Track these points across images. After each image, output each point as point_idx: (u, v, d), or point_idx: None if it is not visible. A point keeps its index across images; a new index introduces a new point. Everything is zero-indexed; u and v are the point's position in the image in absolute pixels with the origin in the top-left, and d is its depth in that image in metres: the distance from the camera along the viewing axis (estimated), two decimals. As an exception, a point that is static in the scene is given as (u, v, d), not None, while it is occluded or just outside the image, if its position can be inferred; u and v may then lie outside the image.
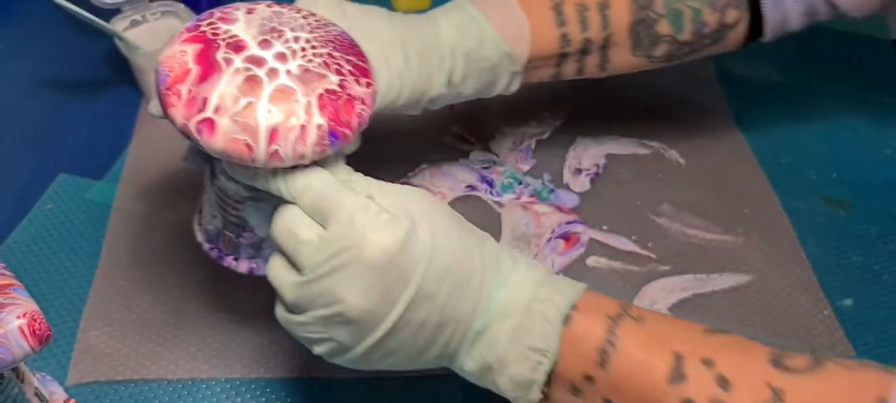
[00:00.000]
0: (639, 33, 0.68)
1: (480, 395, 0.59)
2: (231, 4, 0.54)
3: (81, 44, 0.85)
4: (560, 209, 0.76)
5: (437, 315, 0.48)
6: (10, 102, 0.84)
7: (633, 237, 0.73)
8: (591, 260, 0.72)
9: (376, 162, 0.80)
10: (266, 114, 0.48)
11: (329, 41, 0.53)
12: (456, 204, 0.76)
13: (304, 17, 0.54)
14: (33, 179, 0.77)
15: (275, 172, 0.50)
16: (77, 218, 0.74)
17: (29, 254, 0.71)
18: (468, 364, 0.50)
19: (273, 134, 0.48)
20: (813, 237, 0.74)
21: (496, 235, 0.73)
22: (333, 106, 0.50)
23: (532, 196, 0.77)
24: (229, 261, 0.59)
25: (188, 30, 0.51)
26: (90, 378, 0.63)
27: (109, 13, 0.82)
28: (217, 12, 0.53)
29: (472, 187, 0.77)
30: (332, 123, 0.49)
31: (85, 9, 0.77)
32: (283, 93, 0.49)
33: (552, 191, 0.77)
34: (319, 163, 0.50)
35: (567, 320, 0.48)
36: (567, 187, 0.78)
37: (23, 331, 0.47)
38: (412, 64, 0.62)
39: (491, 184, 0.77)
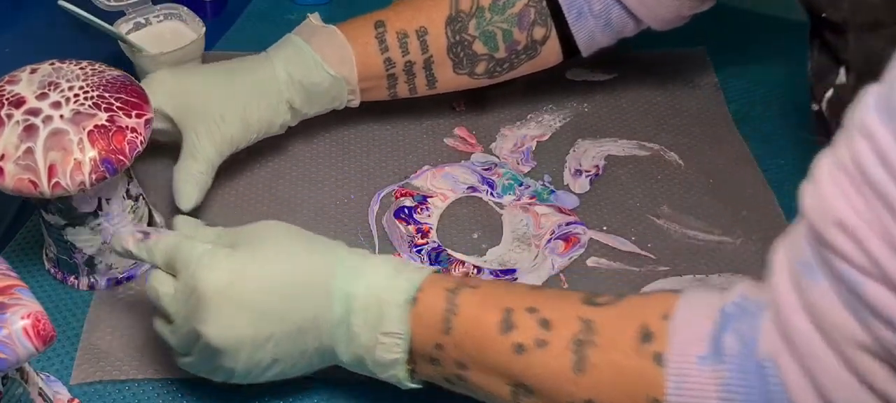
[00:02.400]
0: (458, 54, 0.77)
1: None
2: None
3: (85, 46, 0.85)
4: (560, 210, 0.76)
5: (289, 324, 0.55)
6: (14, 104, 0.84)
7: (633, 238, 0.74)
8: (591, 261, 0.72)
9: (379, 164, 0.80)
10: (43, 155, 0.58)
11: (101, 85, 0.62)
12: (457, 205, 0.76)
13: (81, 69, 0.63)
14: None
15: (134, 239, 0.58)
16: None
17: (33, 255, 0.71)
18: (344, 357, 0.57)
19: (52, 169, 0.58)
20: (812, 238, 0.74)
21: (497, 236, 0.74)
22: (104, 138, 0.59)
23: (532, 197, 0.77)
24: (72, 280, 0.68)
25: None
26: (94, 378, 0.63)
27: (113, 16, 0.83)
28: (6, 77, 0.62)
29: (473, 188, 0.78)
30: (104, 153, 0.59)
31: (89, 12, 0.78)
32: (56, 136, 0.58)
33: (552, 192, 0.78)
34: (101, 186, 0.61)
35: (414, 302, 0.54)
36: (567, 188, 0.78)
37: (27, 332, 0.48)
38: (251, 107, 0.72)
39: (492, 185, 0.78)
